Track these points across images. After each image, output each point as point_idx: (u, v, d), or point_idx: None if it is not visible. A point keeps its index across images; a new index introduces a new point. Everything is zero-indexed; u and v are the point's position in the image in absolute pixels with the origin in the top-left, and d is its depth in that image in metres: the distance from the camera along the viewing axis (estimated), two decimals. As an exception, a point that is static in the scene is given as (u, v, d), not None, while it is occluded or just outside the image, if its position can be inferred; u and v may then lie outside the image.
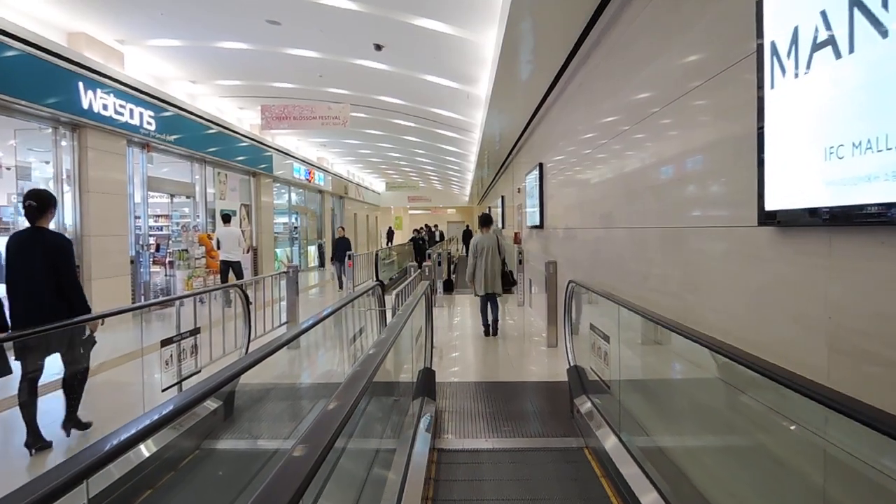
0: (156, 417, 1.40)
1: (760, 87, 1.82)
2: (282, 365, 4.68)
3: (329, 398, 1.35)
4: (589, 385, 3.75)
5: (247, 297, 4.54)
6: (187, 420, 3.34)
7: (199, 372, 3.70)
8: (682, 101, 2.68)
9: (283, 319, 6.12)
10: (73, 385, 3.34)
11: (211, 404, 3.65)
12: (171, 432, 3.19)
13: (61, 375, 3.33)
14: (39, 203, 3.35)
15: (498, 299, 6.59)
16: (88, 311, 3.44)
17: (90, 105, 7.17)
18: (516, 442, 3.40)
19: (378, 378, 1.96)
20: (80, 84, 7.00)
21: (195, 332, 3.65)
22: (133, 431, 1.29)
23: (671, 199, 2.85)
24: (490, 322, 6.52)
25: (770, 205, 1.78)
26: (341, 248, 11.94)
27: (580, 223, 5.12)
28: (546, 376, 5.01)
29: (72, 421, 3.34)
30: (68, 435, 3.25)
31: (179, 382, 3.59)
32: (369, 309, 3.96)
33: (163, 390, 3.23)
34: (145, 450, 2.95)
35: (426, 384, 3.86)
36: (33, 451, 3.09)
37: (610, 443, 2.97)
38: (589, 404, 3.53)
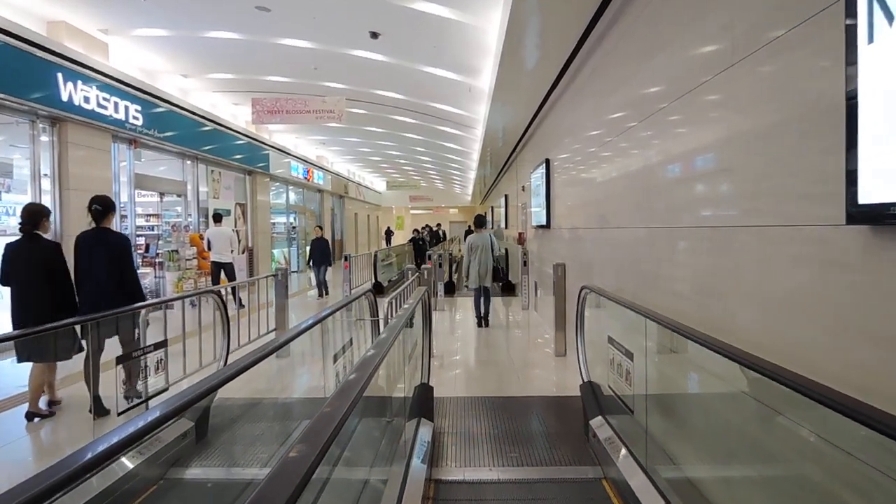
0: (101, 448, 1.11)
1: (851, 44, 1.39)
2: (264, 379, 4.27)
3: (317, 411, 1.21)
4: (606, 404, 3.33)
5: (225, 303, 4.13)
6: (150, 446, 2.94)
7: (166, 389, 3.29)
8: (725, 75, 2.25)
9: (273, 326, 5.71)
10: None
11: (180, 426, 3.25)
12: (129, 461, 2.79)
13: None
14: (103, 207, 3.84)
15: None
16: (144, 298, 3.98)
17: (70, 98, 6.79)
18: (525, 472, 2.98)
19: (370, 393, 1.64)
20: (59, 75, 6.61)
21: (161, 345, 3.23)
22: (76, 465, 1.01)
23: (711, 193, 2.43)
24: (482, 314, 7.21)
25: (866, 197, 1.35)
26: (319, 251, 10.44)
27: (592, 222, 4.70)
28: (555, 390, 4.59)
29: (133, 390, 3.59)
30: (128, 402, 3.29)
31: (144, 402, 3.18)
32: (358, 319, 3.55)
33: (119, 414, 2.83)
34: (95, 483, 2.55)
35: (423, 403, 3.45)
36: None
37: (635, 476, 2.55)
38: (607, 427, 3.11)
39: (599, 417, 3.25)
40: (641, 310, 2.52)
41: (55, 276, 3.64)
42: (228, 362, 4.28)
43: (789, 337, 1.79)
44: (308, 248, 10.34)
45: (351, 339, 3.29)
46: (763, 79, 1.95)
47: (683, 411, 2.53)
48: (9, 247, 3.63)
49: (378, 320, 3.62)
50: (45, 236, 3.78)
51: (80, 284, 3.74)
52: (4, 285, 3.61)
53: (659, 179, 3.08)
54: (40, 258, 3.61)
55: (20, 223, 3.66)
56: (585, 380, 3.70)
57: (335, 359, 2.93)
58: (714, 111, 2.37)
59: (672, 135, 2.90)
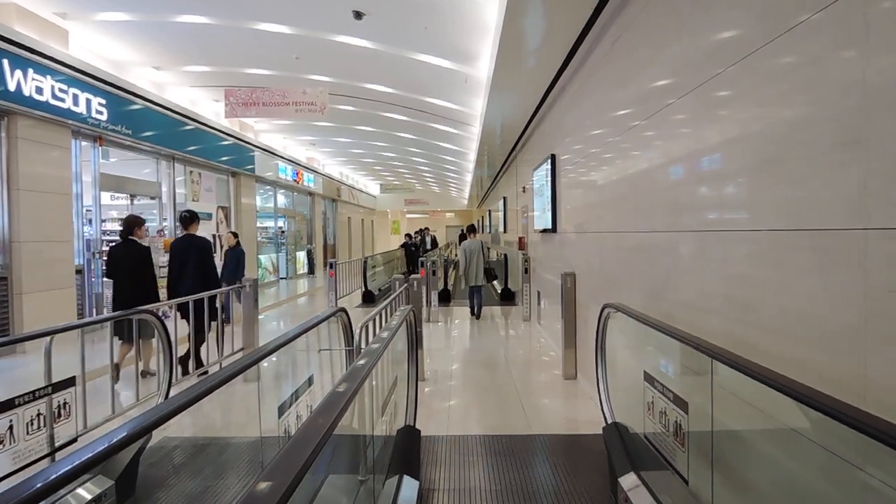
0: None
1: None
2: (211, 416, 3.55)
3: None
4: (640, 456, 2.62)
5: (165, 326, 3.41)
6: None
7: (74, 440, 2.56)
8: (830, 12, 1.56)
9: (241, 345, 4.98)
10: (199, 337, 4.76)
11: (93, 486, 2.52)
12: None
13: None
14: (190, 216, 5.22)
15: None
16: (220, 285, 5.23)
17: (19, 88, 6.06)
18: (539, 554, 2.27)
19: (339, 431, 1.27)
20: (6, 62, 5.88)
21: (64, 384, 2.50)
22: None
23: (816, 182, 1.73)
24: (476, 308, 8.44)
25: None
26: (233, 263, 7.88)
27: (611, 225, 4.00)
28: (567, 425, 3.87)
29: (197, 360, 4.81)
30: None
31: (51, 454, 2.45)
32: (323, 349, 2.83)
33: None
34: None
35: (406, 453, 2.73)
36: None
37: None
38: (644, 492, 2.39)
39: (632, 475, 2.54)
40: (705, 346, 1.81)
41: (143, 273, 4.57)
42: (170, 396, 3.54)
43: None
44: (306, 252, 9.07)
45: (311, 378, 2.56)
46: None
47: (775, 494, 1.81)
48: (111, 248, 4.71)
49: (352, 350, 2.91)
50: (140, 241, 4.74)
51: (176, 277, 4.94)
52: (108, 278, 4.62)
53: (717, 165, 2.38)
54: (132, 258, 4.55)
55: (120, 230, 4.69)
56: (609, 421, 2.99)
57: (283, 409, 2.20)
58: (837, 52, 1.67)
59: (749, 95, 2.20)
